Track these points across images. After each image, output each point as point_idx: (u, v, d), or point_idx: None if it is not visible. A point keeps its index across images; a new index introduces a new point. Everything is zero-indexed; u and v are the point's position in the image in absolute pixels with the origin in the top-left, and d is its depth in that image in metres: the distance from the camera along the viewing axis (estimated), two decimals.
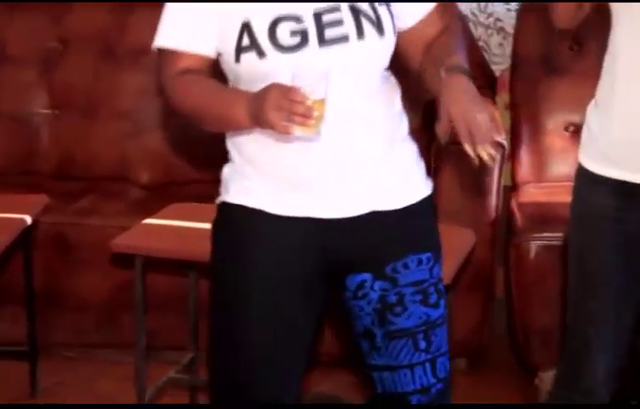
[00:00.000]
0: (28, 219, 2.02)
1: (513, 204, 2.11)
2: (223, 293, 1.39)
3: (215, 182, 1.26)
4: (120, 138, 2.55)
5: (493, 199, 2.12)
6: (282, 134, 1.06)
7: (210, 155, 1.70)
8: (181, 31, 1.24)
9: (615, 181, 1.41)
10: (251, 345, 1.33)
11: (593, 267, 1.50)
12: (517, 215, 2.02)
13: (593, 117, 1.49)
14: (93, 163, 2.55)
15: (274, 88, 1.05)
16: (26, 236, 2.03)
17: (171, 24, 1.25)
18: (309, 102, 1.05)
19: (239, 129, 1.20)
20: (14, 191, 2.26)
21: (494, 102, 2.07)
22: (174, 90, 1.27)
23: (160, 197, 2.27)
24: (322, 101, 1.07)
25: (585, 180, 1.46)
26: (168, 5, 1.26)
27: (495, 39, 2.99)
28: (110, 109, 2.57)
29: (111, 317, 2.20)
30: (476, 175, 2.10)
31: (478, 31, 2.90)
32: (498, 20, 3.00)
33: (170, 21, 1.25)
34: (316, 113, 1.07)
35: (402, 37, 1.25)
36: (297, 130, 1.05)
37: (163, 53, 1.27)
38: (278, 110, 1.01)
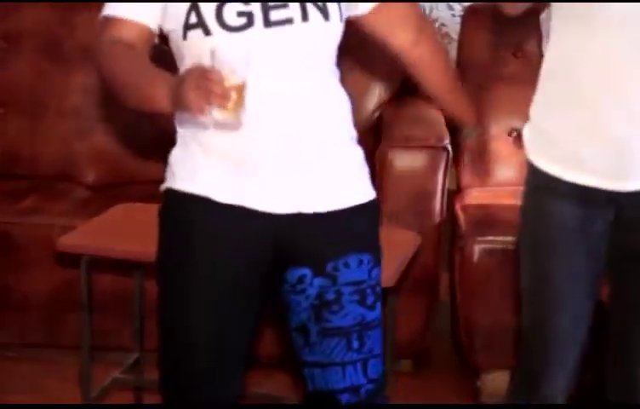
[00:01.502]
0: None
1: (457, 207, 2.15)
2: (169, 282, 1.39)
3: (162, 182, 1.25)
4: (66, 137, 2.53)
5: (437, 203, 2.15)
6: (199, 116, 1.06)
7: (157, 155, 1.74)
8: (126, 1, 1.25)
9: (577, 185, 1.43)
10: (196, 331, 1.35)
11: (554, 282, 1.53)
12: (461, 218, 2.07)
13: (546, 118, 1.51)
14: (38, 162, 2.53)
15: (194, 69, 1.05)
16: None
17: None
18: (226, 84, 1.05)
19: (157, 110, 1.19)
20: None
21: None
22: (104, 55, 1.27)
23: (106, 196, 2.27)
24: (241, 85, 1.07)
25: (541, 183, 1.49)
26: None
27: None
28: (55, 108, 2.55)
29: (56, 317, 2.19)
30: (421, 178, 2.17)
31: None
32: (442, 25, 3.05)
33: None
34: (234, 97, 1.07)
35: (363, 24, 1.35)
36: (214, 113, 1.05)
37: (105, 21, 1.28)
38: (196, 90, 1.01)
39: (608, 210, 1.43)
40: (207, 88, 1.00)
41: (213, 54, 1.07)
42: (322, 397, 1.45)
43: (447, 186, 2.28)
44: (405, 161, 2.20)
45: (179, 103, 1.07)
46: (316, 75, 1.31)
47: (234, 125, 1.12)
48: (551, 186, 1.44)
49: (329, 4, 1.28)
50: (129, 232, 1.80)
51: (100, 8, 1.23)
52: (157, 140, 1.31)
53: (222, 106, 1.03)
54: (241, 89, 1.07)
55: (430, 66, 1.53)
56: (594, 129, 1.42)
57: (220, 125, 1.12)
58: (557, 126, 1.47)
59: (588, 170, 1.40)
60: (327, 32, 1.31)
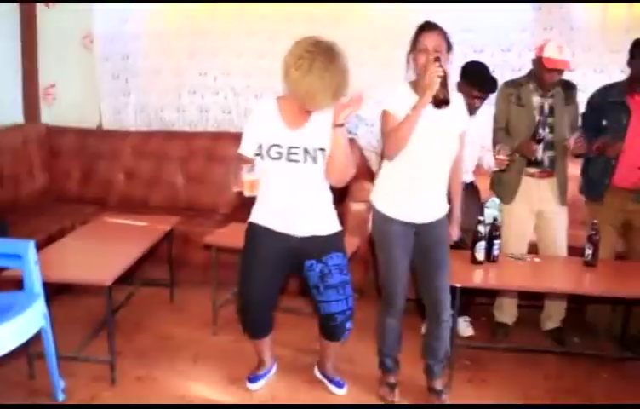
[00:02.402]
0: None
1: None
2: (248, 260, 2.69)
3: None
4: None
5: (369, 224, 3.72)
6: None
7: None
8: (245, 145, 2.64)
9: (399, 220, 2.67)
10: (260, 280, 2.69)
11: (393, 256, 2.73)
12: None
13: (383, 185, 2.73)
14: None
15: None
16: None
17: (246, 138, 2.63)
18: (246, 178, 2.50)
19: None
20: None
21: None
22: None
23: None
24: (255, 180, 2.53)
25: (381, 216, 2.71)
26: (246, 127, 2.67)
27: None
28: None
29: None
30: (361, 214, 3.83)
31: None
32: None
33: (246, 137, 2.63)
34: (248, 184, 2.50)
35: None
36: (245, 192, 2.53)
37: (239, 153, 2.68)
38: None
39: (413, 228, 2.70)
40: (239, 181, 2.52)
41: (253, 166, 2.53)
42: (328, 317, 2.74)
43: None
44: (355, 207, 4.02)
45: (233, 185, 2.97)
46: (310, 183, 2.60)
47: (253, 196, 2.62)
48: (387, 218, 2.69)
49: (319, 154, 2.54)
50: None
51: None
52: None
53: (246, 190, 2.54)
54: (255, 183, 2.54)
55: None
56: (408, 195, 2.65)
57: (248, 196, 2.58)
58: (390, 190, 2.69)
59: (404, 214, 2.66)
60: (315, 169, 2.57)
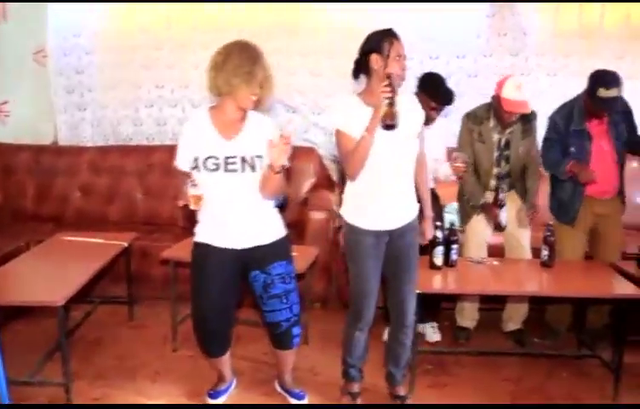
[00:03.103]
0: None
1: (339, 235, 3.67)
2: (196, 279, 2.67)
3: None
4: None
5: (330, 234, 3.92)
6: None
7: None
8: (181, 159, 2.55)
9: (370, 230, 2.64)
10: (209, 297, 2.63)
11: (365, 269, 2.68)
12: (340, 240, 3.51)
13: (352, 199, 2.69)
14: None
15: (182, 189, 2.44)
16: None
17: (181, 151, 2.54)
18: (191, 192, 2.41)
19: None
20: None
21: None
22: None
23: None
24: (199, 195, 2.44)
25: (353, 228, 2.67)
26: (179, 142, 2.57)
27: None
28: None
29: None
30: (322, 223, 3.94)
31: None
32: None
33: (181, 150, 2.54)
34: (194, 199, 2.43)
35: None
36: (191, 206, 2.45)
37: (175, 166, 2.60)
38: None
39: (385, 236, 2.67)
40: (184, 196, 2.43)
41: (194, 180, 2.42)
42: (273, 325, 2.75)
43: (334, 225, 3.91)
44: (316, 216, 4.03)
45: (177, 201, 2.53)
46: (250, 192, 2.54)
47: (198, 211, 2.54)
48: (359, 230, 2.66)
49: (256, 163, 2.49)
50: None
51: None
52: None
53: (192, 204, 2.45)
54: (199, 197, 2.44)
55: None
56: (377, 204, 2.62)
57: (194, 210, 2.52)
58: (359, 202, 2.65)
59: (375, 223, 2.64)
60: (254, 177, 2.52)
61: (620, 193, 3.59)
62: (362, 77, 2.67)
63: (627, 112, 3.51)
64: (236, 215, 2.60)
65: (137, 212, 4.74)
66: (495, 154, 3.52)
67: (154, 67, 4.88)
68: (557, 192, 3.66)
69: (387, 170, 2.61)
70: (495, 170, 3.57)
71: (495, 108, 3.47)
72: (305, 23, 4.71)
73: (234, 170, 2.52)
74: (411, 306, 2.82)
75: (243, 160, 2.52)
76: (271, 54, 2.66)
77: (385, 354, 3.05)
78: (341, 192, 2.87)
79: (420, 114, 2.74)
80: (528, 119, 3.52)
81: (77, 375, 3.21)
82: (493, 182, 3.61)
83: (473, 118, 3.57)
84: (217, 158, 2.51)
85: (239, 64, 2.44)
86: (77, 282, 3.01)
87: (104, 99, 4.96)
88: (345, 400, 3.01)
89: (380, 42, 2.56)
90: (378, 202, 2.64)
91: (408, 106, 2.65)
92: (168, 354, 3.58)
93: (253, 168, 2.53)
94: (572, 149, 3.48)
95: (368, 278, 2.71)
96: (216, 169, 2.52)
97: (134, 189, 4.77)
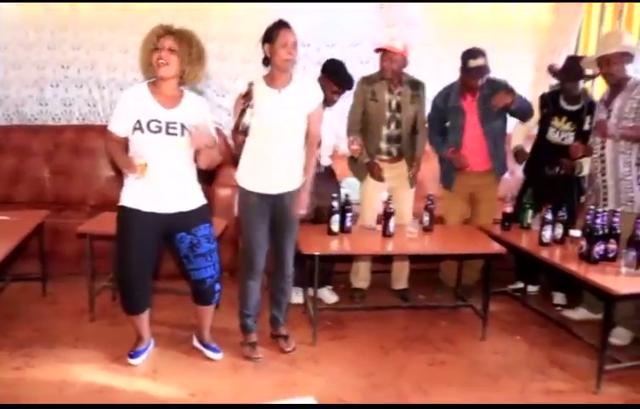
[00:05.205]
0: None
1: None
2: (122, 240, 2.92)
3: None
4: None
5: (235, 208, 4.15)
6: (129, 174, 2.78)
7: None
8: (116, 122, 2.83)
9: (256, 192, 3.07)
10: (135, 258, 2.90)
11: (252, 225, 3.12)
12: None
13: (245, 164, 3.12)
14: None
15: (127, 158, 2.79)
16: None
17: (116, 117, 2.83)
18: (138, 161, 2.77)
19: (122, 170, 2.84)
20: None
21: None
22: (107, 146, 2.91)
23: None
24: (146, 163, 2.78)
25: (244, 191, 3.11)
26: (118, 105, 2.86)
27: None
28: None
29: None
30: (228, 199, 4.14)
31: None
32: None
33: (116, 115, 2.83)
34: (141, 167, 2.77)
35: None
36: (137, 175, 2.78)
37: (108, 131, 2.88)
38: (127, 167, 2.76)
39: (269, 199, 3.08)
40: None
41: (136, 152, 2.78)
42: (198, 282, 3.08)
43: None
44: (222, 192, 4.33)
45: (125, 169, 2.83)
46: (179, 155, 2.85)
47: (143, 178, 2.78)
48: (247, 192, 3.10)
49: (186, 128, 2.82)
50: None
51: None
52: None
53: (138, 172, 2.77)
54: (145, 165, 2.78)
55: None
56: (264, 170, 3.05)
57: (137, 178, 2.78)
58: (249, 167, 3.09)
59: (261, 186, 3.07)
60: (183, 141, 2.85)
61: (499, 167, 4.17)
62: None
63: (499, 88, 4.03)
64: (168, 179, 2.87)
65: (45, 192, 4.80)
66: (387, 114, 3.93)
67: (59, 47, 4.92)
68: (441, 162, 4.27)
69: (274, 142, 3.01)
70: (386, 131, 3.96)
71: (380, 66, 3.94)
72: (211, 8, 4.95)
73: (174, 134, 2.83)
74: (290, 258, 3.28)
75: (183, 127, 2.83)
76: None
77: (269, 300, 3.51)
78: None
79: (314, 98, 3.15)
80: (416, 86, 3.99)
81: None
82: (383, 145, 4.02)
83: (367, 80, 3.97)
84: (159, 122, 2.81)
85: (146, 38, 2.87)
86: None
87: (6, 79, 4.94)
88: (246, 351, 3.38)
89: (271, 32, 3.02)
90: (265, 168, 3.06)
91: (302, 87, 3.10)
92: (85, 323, 3.74)
93: (182, 131, 2.87)
94: (447, 124, 4.04)
95: (255, 232, 3.13)
96: (158, 131, 2.81)
97: (42, 169, 4.82)
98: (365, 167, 3.99)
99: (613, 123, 3.57)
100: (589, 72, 4.00)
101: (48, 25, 4.87)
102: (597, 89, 5.10)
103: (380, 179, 3.94)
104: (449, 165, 4.16)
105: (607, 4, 5.36)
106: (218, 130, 4.63)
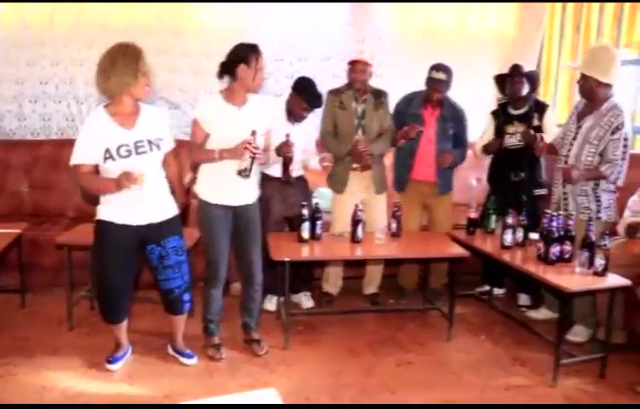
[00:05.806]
0: None
1: None
2: (99, 254, 2.99)
3: None
4: None
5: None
6: (132, 187, 2.76)
7: None
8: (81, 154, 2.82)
9: (219, 204, 3.22)
10: (113, 270, 2.99)
11: (215, 237, 3.26)
12: None
13: (205, 179, 3.28)
14: None
15: (123, 173, 2.75)
16: None
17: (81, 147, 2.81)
18: (137, 175, 2.79)
19: (106, 193, 2.89)
20: None
21: None
22: (81, 180, 2.89)
23: None
24: (142, 175, 2.82)
25: (205, 203, 3.25)
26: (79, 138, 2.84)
27: None
28: None
29: None
30: None
31: None
32: None
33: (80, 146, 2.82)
34: (140, 178, 2.80)
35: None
36: (138, 186, 2.81)
37: (75, 166, 2.86)
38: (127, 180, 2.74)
39: (230, 210, 3.25)
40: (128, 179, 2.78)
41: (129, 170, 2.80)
42: (167, 292, 3.19)
43: None
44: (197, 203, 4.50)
45: (120, 186, 2.79)
46: (155, 171, 2.96)
47: (141, 189, 2.85)
48: (210, 204, 3.24)
49: (160, 142, 2.95)
50: None
51: None
52: None
53: (137, 184, 2.80)
54: (142, 177, 2.82)
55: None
56: (226, 183, 3.20)
57: (138, 189, 2.83)
58: (210, 180, 3.25)
59: (223, 199, 3.23)
60: (158, 157, 2.99)
61: (442, 185, 4.33)
62: (226, 78, 3.23)
63: (459, 119, 4.29)
64: (142, 193, 2.91)
65: (24, 205, 4.88)
66: (355, 122, 4.11)
67: (38, 63, 5.02)
68: (395, 167, 4.47)
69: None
70: (355, 139, 4.10)
71: (349, 79, 4.13)
72: (189, 25, 5.10)
73: (144, 152, 2.90)
74: (258, 267, 3.41)
75: (150, 142, 2.92)
76: (155, 54, 3.04)
77: (240, 308, 3.64)
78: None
79: (271, 116, 3.39)
80: (379, 95, 4.18)
81: None
82: None
83: (335, 92, 4.16)
84: (128, 145, 2.86)
85: (126, 63, 2.81)
86: None
87: None
88: (211, 352, 3.51)
89: (248, 55, 3.15)
90: (224, 183, 3.20)
91: (260, 106, 3.27)
92: (64, 332, 3.83)
93: (158, 147, 2.96)
94: (405, 128, 4.17)
95: (218, 244, 3.26)
96: (129, 155, 2.87)
97: (21, 182, 4.90)
98: (343, 179, 4.17)
99: (576, 173, 3.71)
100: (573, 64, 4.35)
101: (27, 42, 4.96)
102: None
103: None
104: (401, 168, 4.35)
105: (566, 17, 5.53)
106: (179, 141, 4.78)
